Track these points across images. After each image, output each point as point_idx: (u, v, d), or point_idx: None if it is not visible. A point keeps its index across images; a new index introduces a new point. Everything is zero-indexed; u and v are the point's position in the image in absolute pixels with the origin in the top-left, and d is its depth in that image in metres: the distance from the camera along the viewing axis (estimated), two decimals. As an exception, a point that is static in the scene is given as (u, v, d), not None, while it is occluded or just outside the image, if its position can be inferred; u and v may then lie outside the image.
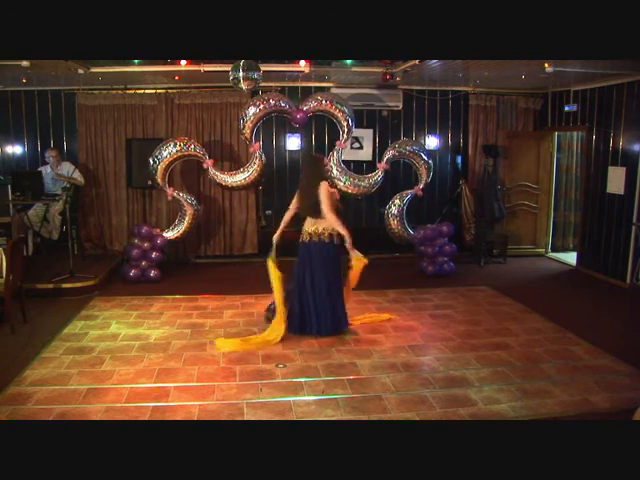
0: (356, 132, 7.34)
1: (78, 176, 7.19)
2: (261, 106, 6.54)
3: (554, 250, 8.65)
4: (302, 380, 4.03)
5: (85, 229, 7.88)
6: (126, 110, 7.74)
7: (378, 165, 7.10)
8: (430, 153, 7.38)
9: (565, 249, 8.68)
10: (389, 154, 6.98)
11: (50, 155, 7.10)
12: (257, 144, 6.84)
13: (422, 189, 7.14)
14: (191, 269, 7.60)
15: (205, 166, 6.84)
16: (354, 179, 6.98)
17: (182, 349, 4.63)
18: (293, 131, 7.96)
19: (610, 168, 6.93)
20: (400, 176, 8.08)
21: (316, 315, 4.83)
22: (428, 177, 7.09)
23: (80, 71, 6.24)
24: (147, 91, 7.73)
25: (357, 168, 7.78)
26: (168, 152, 6.58)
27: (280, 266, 4.90)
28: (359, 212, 8.26)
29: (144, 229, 6.73)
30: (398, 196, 7.14)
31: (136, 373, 4.13)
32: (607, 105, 6.96)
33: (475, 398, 3.76)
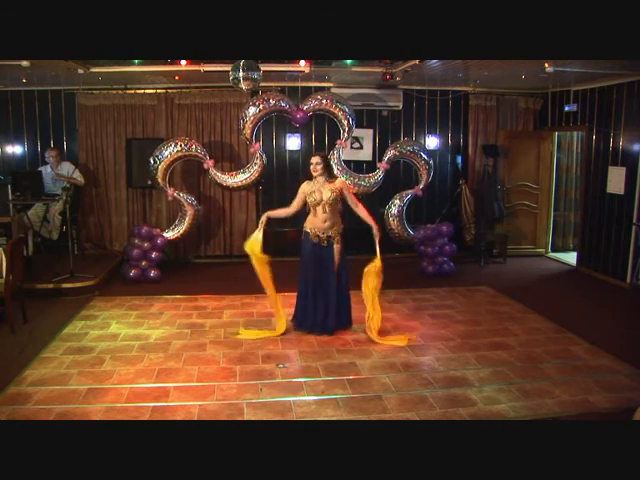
0: (356, 132, 7.33)
1: (78, 176, 7.19)
2: (261, 106, 6.53)
3: (554, 250, 8.65)
4: (302, 380, 4.03)
5: (85, 229, 7.88)
6: (126, 110, 7.74)
7: (378, 165, 7.10)
8: (430, 153, 7.37)
9: (565, 249, 8.68)
10: (389, 154, 6.98)
11: (50, 155, 7.10)
12: (257, 144, 6.83)
13: (422, 189, 7.13)
14: (191, 269, 7.59)
15: (206, 166, 6.83)
16: (354, 178, 6.98)
17: (182, 349, 4.63)
18: (293, 131, 7.96)
19: (610, 168, 6.93)
20: (400, 176, 8.07)
21: (336, 312, 4.97)
22: (428, 177, 7.08)
23: (80, 71, 6.24)
24: (147, 91, 7.73)
25: (357, 168, 7.78)
26: (169, 152, 6.58)
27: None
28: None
29: (144, 229, 6.73)
30: (398, 196, 7.13)
31: (136, 373, 4.13)
32: (607, 105, 6.96)
33: (475, 398, 3.76)
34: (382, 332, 5.02)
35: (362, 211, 4.91)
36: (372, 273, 4.80)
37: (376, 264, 4.79)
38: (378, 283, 4.83)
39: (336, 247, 4.89)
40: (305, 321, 4.98)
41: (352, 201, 4.93)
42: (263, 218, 4.92)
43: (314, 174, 4.84)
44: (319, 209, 4.82)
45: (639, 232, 6.36)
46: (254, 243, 4.86)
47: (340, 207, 5.03)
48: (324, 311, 4.91)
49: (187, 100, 7.73)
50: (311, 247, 4.89)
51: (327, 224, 4.85)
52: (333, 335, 4.92)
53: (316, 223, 4.87)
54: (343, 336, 4.92)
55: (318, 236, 4.87)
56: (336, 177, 5.01)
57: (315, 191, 4.81)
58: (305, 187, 4.90)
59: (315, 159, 4.86)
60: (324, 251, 4.88)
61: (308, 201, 4.86)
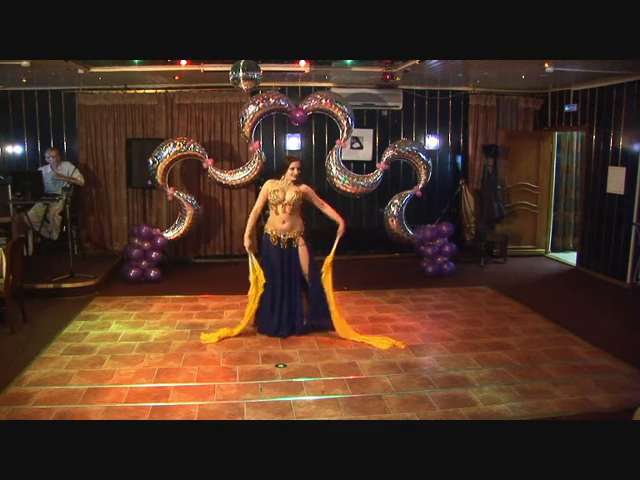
0: (356, 132, 7.33)
1: (78, 176, 7.19)
2: (260, 105, 6.53)
3: (554, 250, 8.65)
4: (302, 380, 4.03)
5: (85, 229, 7.88)
6: (126, 110, 7.74)
7: (378, 165, 7.09)
8: (430, 153, 7.38)
9: (565, 249, 8.68)
10: (388, 154, 6.96)
11: (50, 155, 7.10)
12: (257, 143, 6.83)
13: (421, 189, 7.12)
14: (191, 269, 7.59)
15: (205, 166, 6.83)
16: (353, 179, 6.97)
17: (182, 349, 4.63)
18: (293, 130, 7.96)
19: (610, 168, 6.93)
20: (400, 176, 8.08)
21: (310, 313, 4.99)
22: (427, 177, 7.07)
23: (80, 71, 6.24)
24: (147, 91, 7.73)
25: (357, 168, 7.78)
26: (168, 152, 6.58)
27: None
28: (359, 212, 8.26)
29: (144, 229, 6.72)
30: (397, 196, 7.12)
31: (136, 373, 4.13)
32: (607, 105, 6.96)
33: (475, 398, 3.76)
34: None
35: (329, 210, 4.97)
36: (325, 269, 4.83)
37: (326, 260, 4.82)
38: (330, 278, 4.84)
39: (301, 249, 4.88)
40: (271, 324, 4.91)
41: (318, 202, 4.96)
42: (247, 243, 4.90)
43: (291, 178, 4.82)
44: (279, 208, 4.81)
45: (639, 232, 6.36)
46: (256, 270, 4.86)
47: (300, 210, 4.99)
48: (289, 312, 4.89)
49: (187, 100, 7.73)
50: (273, 249, 4.87)
51: (286, 225, 4.83)
52: (302, 335, 4.90)
53: (275, 224, 4.86)
54: (340, 336, 4.90)
55: (278, 238, 4.85)
56: (302, 183, 4.94)
57: (278, 190, 4.80)
58: (269, 185, 4.88)
59: (297, 164, 4.86)
60: (286, 253, 4.86)
61: (269, 199, 4.84)
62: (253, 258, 4.90)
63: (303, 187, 4.90)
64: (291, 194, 4.79)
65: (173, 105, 7.75)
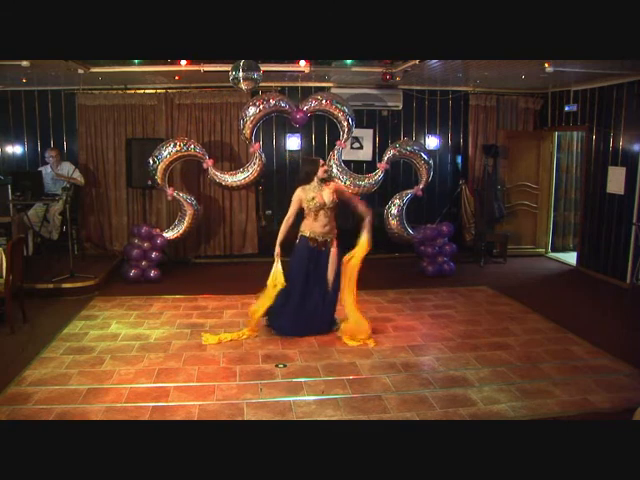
0: (356, 132, 7.33)
1: (78, 176, 7.19)
2: (261, 106, 6.53)
3: (554, 250, 8.65)
4: (302, 380, 4.03)
5: (85, 229, 7.88)
6: (126, 110, 7.74)
7: (378, 165, 7.09)
8: (430, 153, 7.37)
9: (565, 249, 8.68)
10: (389, 154, 6.97)
11: (50, 155, 7.10)
12: (257, 144, 6.84)
13: (422, 189, 7.13)
14: (191, 269, 7.60)
15: (205, 166, 6.84)
16: (354, 179, 6.97)
17: (182, 349, 4.63)
18: (293, 131, 7.96)
19: (610, 168, 6.93)
20: (400, 176, 8.08)
21: (321, 316, 4.95)
22: (428, 177, 7.08)
23: (80, 71, 6.24)
24: (147, 91, 7.73)
25: (357, 168, 7.78)
26: (168, 152, 6.58)
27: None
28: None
29: (144, 229, 6.73)
30: (398, 196, 7.13)
31: (136, 373, 4.13)
32: (607, 105, 6.96)
33: (475, 398, 3.76)
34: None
35: (359, 203, 4.95)
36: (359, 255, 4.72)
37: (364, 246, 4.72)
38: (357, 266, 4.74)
39: (333, 251, 4.87)
40: (287, 323, 4.88)
41: (349, 197, 4.99)
42: (278, 250, 4.81)
43: (323, 176, 4.82)
44: (321, 213, 4.77)
45: (639, 232, 6.36)
46: (277, 275, 4.75)
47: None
48: (310, 314, 4.86)
49: (187, 100, 7.73)
50: (307, 251, 4.83)
51: (327, 228, 4.82)
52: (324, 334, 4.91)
53: (315, 228, 4.81)
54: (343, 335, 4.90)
55: (317, 240, 4.82)
56: (330, 180, 4.98)
57: (315, 196, 4.75)
58: (301, 194, 4.81)
59: (323, 161, 4.91)
60: (321, 255, 4.85)
61: (308, 206, 4.77)
62: (279, 265, 4.79)
63: (332, 185, 4.92)
64: (329, 197, 4.77)
65: (173, 105, 7.75)
